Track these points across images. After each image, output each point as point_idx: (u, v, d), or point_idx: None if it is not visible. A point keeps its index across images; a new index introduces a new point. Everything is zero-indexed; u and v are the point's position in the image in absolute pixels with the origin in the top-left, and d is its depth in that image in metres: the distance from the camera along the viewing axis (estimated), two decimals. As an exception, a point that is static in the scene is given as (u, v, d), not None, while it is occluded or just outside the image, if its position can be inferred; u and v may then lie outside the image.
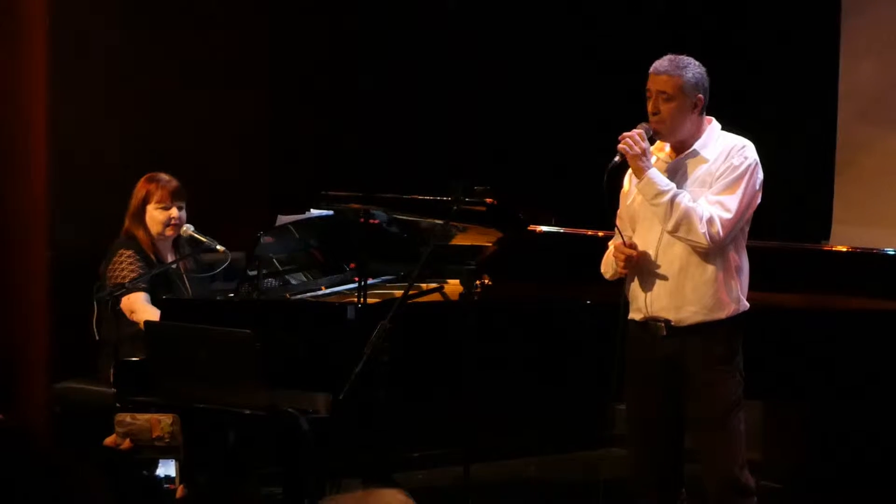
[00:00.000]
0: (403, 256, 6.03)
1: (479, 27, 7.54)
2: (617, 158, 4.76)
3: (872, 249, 5.92)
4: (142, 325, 5.60)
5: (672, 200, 4.68)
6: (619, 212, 4.98)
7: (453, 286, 5.80)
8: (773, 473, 6.68)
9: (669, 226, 4.69)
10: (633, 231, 4.90)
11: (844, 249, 5.96)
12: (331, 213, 6.21)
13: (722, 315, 4.78)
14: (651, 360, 4.84)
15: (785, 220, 7.27)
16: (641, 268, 4.84)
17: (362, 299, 5.45)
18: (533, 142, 7.62)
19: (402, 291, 5.11)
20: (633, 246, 4.80)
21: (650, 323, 4.83)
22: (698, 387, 4.78)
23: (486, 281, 5.83)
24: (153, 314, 5.66)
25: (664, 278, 4.78)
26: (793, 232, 6.85)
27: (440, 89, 7.35)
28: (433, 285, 5.82)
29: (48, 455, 3.33)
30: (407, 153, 7.14)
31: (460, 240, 6.08)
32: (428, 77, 7.34)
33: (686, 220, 4.66)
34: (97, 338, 5.94)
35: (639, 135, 4.73)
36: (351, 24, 7.26)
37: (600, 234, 5.63)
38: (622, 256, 4.80)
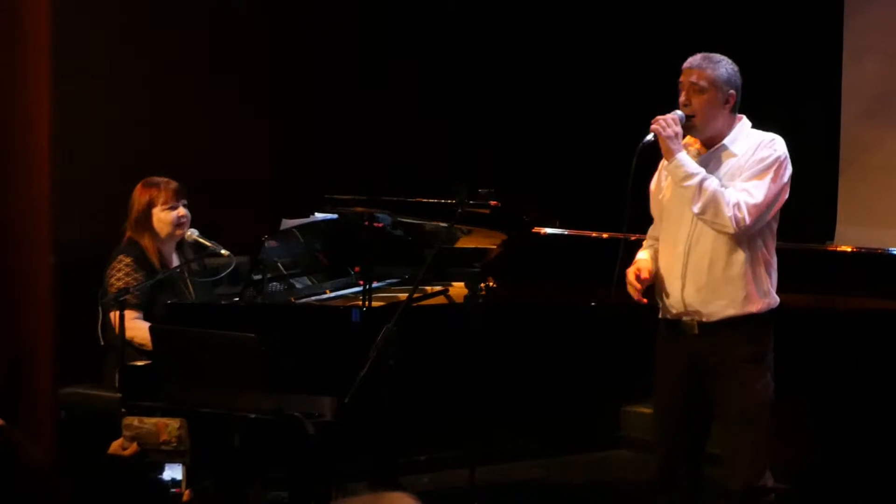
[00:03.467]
0: (408, 259, 6.03)
1: (484, 28, 7.53)
2: (649, 137, 4.78)
3: (877, 249, 5.92)
4: (132, 340, 5.64)
5: (700, 184, 4.70)
6: (651, 204, 5.00)
7: (458, 289, 5.80)
8: (780, 474, 6.67)
9: (697, 208, 4.71)
10: (661, 226, 4.93)
11: (849, 250, 5.96)
12: (335, 216, 6.22)
13: (753, 309, 4.79)
14: (680, 361, 4.86)
15: (789, 220, 7.25)
16: (670, 264, 4.87)
17: (367, 303, 5.45)
18: (537, 143, 7.62)
19: (407, 294, 5.11)
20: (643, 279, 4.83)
21: (682, 321, 4.84)
22: (727, 385, 4.79)
23: (491, 283, 5.84)
24: (143, 331, 5.66)
25: (694, 274, 4.79)
26: (797, 232, 6.84)
27: (444, 91, 7.35)
28: (438, 288, 5.82)
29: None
30: (411, 155, 7.14)
31: (465, 242, 6.09)
32: (431, 78, 7.34)
33: (713, 203, 4.69)
34: (102, 342, 5.94)
35: (672, 119, 4.76)
36: (352, 24, 7.26)
37: (605, 235, 5.63)
38: (634, 287, 4.82)
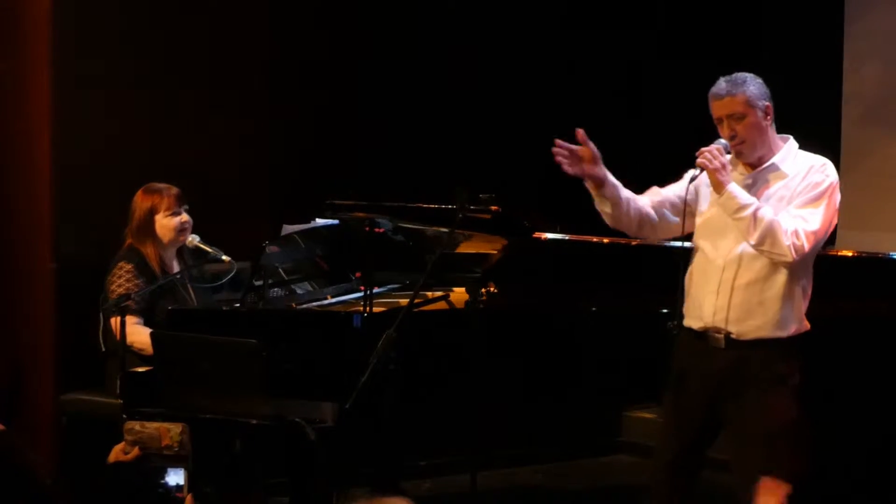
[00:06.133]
0: (409, 265, 6.03)
1: (485, 30, 7.53)
2: (696, 172, 4.71)
3: (878, 254, 5.92)
4: (132, 346, 5.66)
5: (755, 214, 4.60)
6: (673, 185, 4.94)
7: (459, 294, 5.80)
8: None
9: (754, 239, 4.61)
10: (698, 240, 4.84)
11: (850, 254, 5.96)
12: (336, 222, 6.22)
13: (784, 334, 4.72)
14: (702, 370, 4.78)
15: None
16: (705, 276, 4.79)
17: (368, 308, 5.45)
18: (538, 148, 7.60)
19: (408, 300, 5.11)
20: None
21: (709, 334, 4.78)
22: (750, 404, 4.71)
23: (492, 288, 5.84)
24: (142, 335, 5.68)
25: (730, 290, 4.71)
26: (798, 237, 6.85)
27: (445, 95, 7.35)
28: (439, 293, 5.82)
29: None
30: (412, 161, 7.14)
31: (465, 248, 6.08)
32: (432, 83, 7.34)
33: (770, 233, 4.59)
34: (103, 349, 5.95)
35: (717, 150, 4.67)
36: (353, 28, 7.26)
37: (605, 240, 5.63)
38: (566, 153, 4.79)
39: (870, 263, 5.87)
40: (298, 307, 5.91)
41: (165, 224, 5.99)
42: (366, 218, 5.90)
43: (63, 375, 6.20)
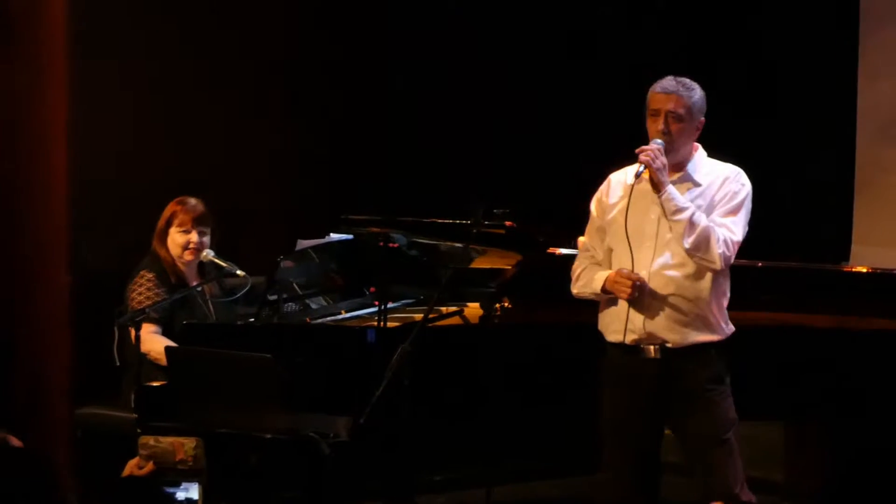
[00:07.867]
0: (423, 280, 6.04)
1: (503, 46, 7.54)
2: (640, 168, 4.73)
3: (893, 270, 5.91)
4: (147, 354, 5.66)
5: (691, 219, 4.67)
6: (589, 227, 4.96)
7: (473, 309, 5.80)
8: (794, 495, 6.67)
9: (689, 244, 4.68)
10: (613, 249, 4.84)
11: (864, 270, 5.95)
12: (350, 237, 6.23)
13: (715, 338, 4.78)
14: (636, 382, 4.81)
15: (804, 240, 7.25)
16: None
17: (382, 323, 5.46)
18: (553, 164, 7.62)
19: (423, 315, 5.12)
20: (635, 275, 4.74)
21: (642, 346, 4.80)
22: (695, 407, 4.77)
23: (506, 304, 5.84)
24: (159, 344, 5.69)
25: (660, 300, 4.74)
26: (812, 252, 6.83)
27: (460, 112, 7.35)
28: (453, 308, 5.82)
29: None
30: (426, 176, 7.15)
31: (480, 263, 6.09)
32: (447, 99, 7.35)
33: (705, 240, 4.67)
34: (118, 362, 5.96)
35: (658, 150, 4.72)
36: (370, 44, 7.27)
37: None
38: (629, 283, 4.71)
39: (885, 279, 5.86)
40: (313, 322, 5.92)
41: (174, 238, 6.00)
42: (380, 233, 5.91)
43: (78, 389, 6.20)
